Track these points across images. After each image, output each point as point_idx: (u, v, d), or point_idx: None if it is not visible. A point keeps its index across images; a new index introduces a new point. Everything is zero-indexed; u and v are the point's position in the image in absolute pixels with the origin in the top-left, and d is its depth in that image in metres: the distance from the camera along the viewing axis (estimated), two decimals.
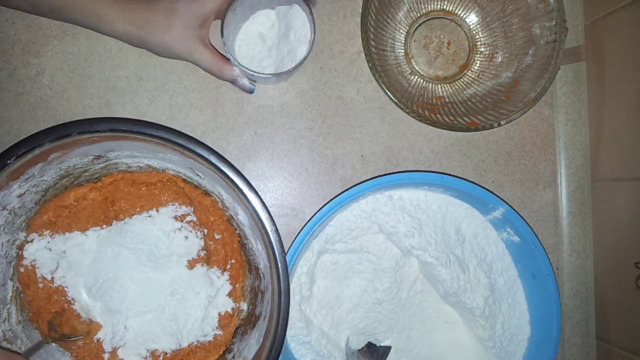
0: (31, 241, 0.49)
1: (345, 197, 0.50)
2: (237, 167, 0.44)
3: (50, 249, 0.50)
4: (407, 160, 0.58)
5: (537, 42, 0.53)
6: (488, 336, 0.55)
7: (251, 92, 0.53)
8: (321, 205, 0.51)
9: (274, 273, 0.44)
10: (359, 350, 0.54)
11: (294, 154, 0.57)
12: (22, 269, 0.49)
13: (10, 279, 0.49)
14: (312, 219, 0.50)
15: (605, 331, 0.59)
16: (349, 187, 0.52)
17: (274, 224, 0.44)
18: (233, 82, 0.52)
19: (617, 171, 0.56)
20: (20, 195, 0.45)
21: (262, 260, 0.47)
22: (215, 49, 0.52)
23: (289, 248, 0.49)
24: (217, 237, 0.52)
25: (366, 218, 0.54)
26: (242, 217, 0.48)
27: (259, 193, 0.45)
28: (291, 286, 0.53)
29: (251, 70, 0.49)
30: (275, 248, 0.44)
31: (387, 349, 0.55)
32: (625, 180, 0.55)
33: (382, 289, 0.55)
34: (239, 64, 0.49)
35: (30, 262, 0.49)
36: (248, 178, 0.45)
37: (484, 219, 0.55)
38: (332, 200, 0.50)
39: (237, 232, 0.52)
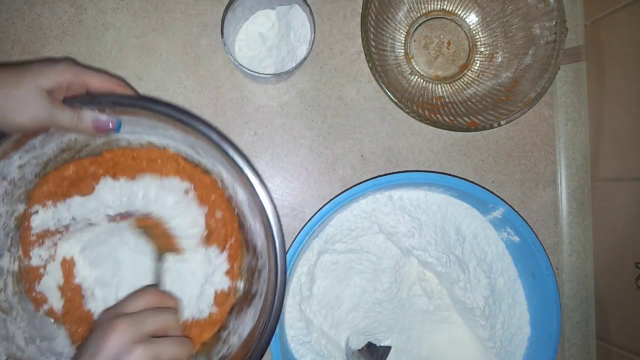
0: (36, 212, 0.50)
1: (345, 197, 0.50)
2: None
3: (59, 220, 0.51)
4: (407, 160, 0.58)
5: (537, 42, 0.53)
6: (488, 336, 0.55)
7: (118, 131, 0.44)
8: (321, 205, 0.51)
9: (271, 250, 0.44)
10: (359, 350, 0.54)
11: (294, 154, 0.57)
12: (33, 238, 0.50)
13: (8, 250, 0.49)
14: (312, 219, 0.50)
15: (605, 331, 0.59)
16: (349, 187, 0.52)
17: (272, 201, 0.44)
18: (95, 122, 0.42)
19: (617, 171, 0.56)
20: (20, 167, 0.46)
21: (259, 240, 0.47)
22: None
23: (289, 248, 0.49)
24: (218, 215, 0.52)
25: (366, 218, 0.54)
26: (241, 195, 0.48)
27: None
28: (291, 286, 0.53)
29: (251, 71, 0.49)
30: (272, 225, 0.44)
31: (387, 349, 0.55)
32: (625, 180, 0.55)
33: (382, 289, 0.55)
34: (239, 64, 0.49)
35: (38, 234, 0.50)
36: None
37: (484, 219, 0.55)
38: (332, 200, 0.50)
39: (235, 211, 0.52)
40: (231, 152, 0.43)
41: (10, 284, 0.49)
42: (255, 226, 0.48)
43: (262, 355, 0.44)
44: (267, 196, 0.44)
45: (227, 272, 0.52)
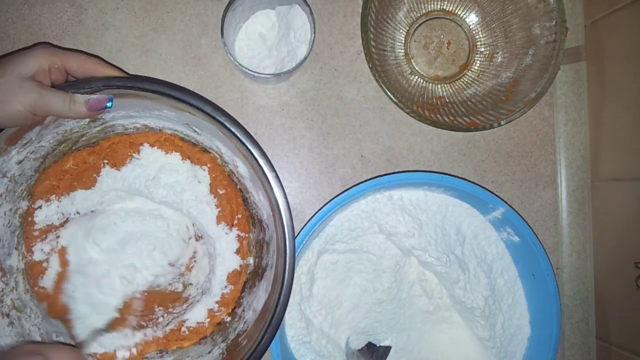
0: (39, 207, 0.50)
1: (345, 197, 0.50)
2: None
3: (63, 214, 0.51)
4: (407, 160, 0.58)
5: (537, 42, 0.53)
6: (488, 336, 0.55)
7: (110, 106, 0.43)
8: (321, 205, 0.51)
9: (278, 219, 0.43)
10: (359, 350, 0.54)
11: (294, 154, 0.57)
12: (36, 233, 0.50)
13: (16, 249, 0.49)
14: (312, 219, 0.50)
15: (605, 331, 0.59)
16: (349, 187, 0.52)
17: (274, 170, 0.43)
18: (87, 102, 0.42)
19: (617, 171, 0.56)
20: (19, 162, 0.46)
21: (264, 211, 0.47)
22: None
23: None
24: (220, 192, 0.52)
25: (366, 218, 0.54)
26: (241, 169, 0.48)
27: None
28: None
29: (251, 71, 0.49)
30: (276, 193, 0.43)
31: (387, 349, 0.55)
32: (625, 180, 0.55)
33: (382, 289, 0.55)
34: (239, 64, 0.49)
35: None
36: None
37: (484, 219, 0.55)
38: (332, 200, 0.50)
39: (237, 186, 0.52)
40: (228, 123, 0.43)
41: (22, 282, 0.49)
42: (259, 198, 0.48)
43: (273, 336, 0.44)
44: (268, 164, 0.43)
45: (237, 251, 0.52)
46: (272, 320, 0.43)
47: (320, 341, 0.54)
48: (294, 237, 0.44)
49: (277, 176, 0.43)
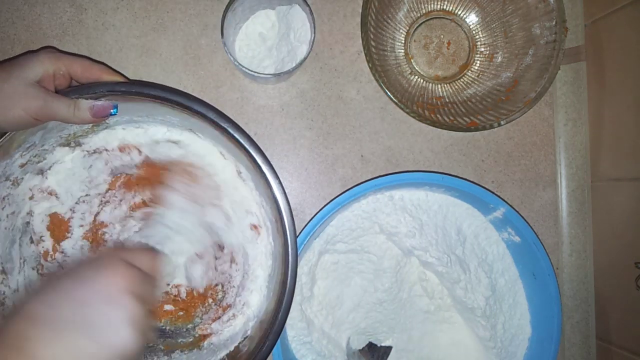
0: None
1: (346, 197, 0.50)
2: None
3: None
4: (407, 160, 0.58)
5: (537, 42, 0.53)
6: (489, 336, 0.55)
7: (115, 113, 0.43)
8: (321, 206, 0.51)
9: (280, 226, 0.44)
10: (360, 350, 0.54)
11: (294, 154, 0.57)
12: None
13: (17, 252, 0.49)
14: (313, 219, 0.49)
15: (605, 331, 0.59)
16: (349, 187, 0.52)
17: (276, 176, 0.44)
18: (92, 109, 0.42)
19: (617, 171, 0.56)
20: (22, 166, 0.45)
21: (267, 219, 0.49)
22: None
23: None
24: None
25: (367, 218, 0.54)
26: (244, 175, 0.49)
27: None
28: None
29: (251, 71, 0.49)
30: (279, 200, 0.43)
31: (388, 349, 0.55)
32: (625, 180, 0.55)
33: (383, 289, 0.55)
34: (239, 64, 0.49)
35: None
36: None
37: (485, 219, 0.55)
38: (333, 201, 0.50)
39: None
40: (231, 129, 0.43)
41: (23, 285, 0.49)
42: (261, 204, 0.49)
43: (274, 342, 0.44)
44: (270, 170, 0.43)
45: None
46: (274, 327, 0.44)
47: (321, 341, 0.54)
48: (297, 246, 0.44)
49: (280, 183, 0.44)
